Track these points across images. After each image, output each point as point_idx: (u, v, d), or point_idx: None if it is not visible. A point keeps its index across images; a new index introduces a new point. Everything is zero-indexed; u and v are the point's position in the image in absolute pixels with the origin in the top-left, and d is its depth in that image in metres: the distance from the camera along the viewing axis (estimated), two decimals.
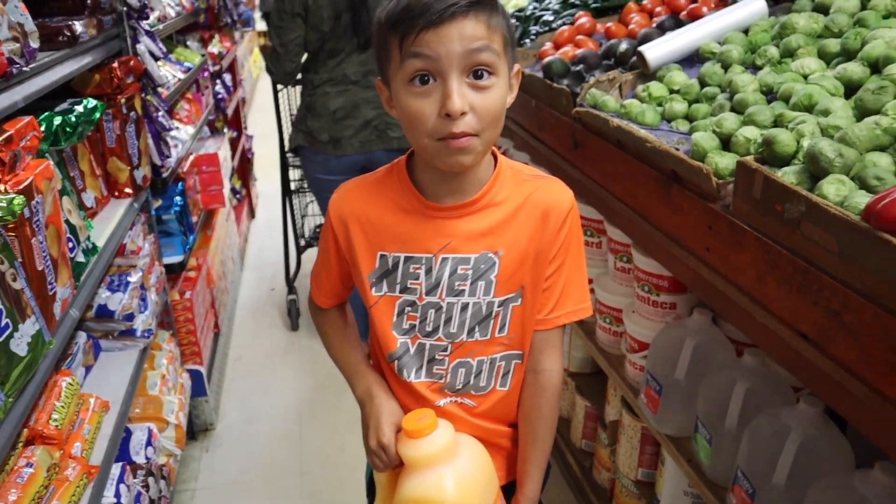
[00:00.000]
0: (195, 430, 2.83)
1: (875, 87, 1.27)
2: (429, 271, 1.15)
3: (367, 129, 2.80)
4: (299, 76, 2.97)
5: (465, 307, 1.15)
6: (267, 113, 3.79)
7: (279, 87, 3.61)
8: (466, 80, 1.00)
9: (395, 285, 1.17)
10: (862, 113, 1.27)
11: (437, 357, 1.19)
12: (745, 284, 1.24)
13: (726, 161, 1.33)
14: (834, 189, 1.08)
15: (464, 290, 1.15)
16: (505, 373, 1.22)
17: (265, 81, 8.37)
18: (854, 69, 1.38)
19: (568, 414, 2.49)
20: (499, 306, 1.16)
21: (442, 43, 0.97)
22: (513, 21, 2.80)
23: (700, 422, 1.53)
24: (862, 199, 1.02)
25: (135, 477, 1.88)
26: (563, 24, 2.56)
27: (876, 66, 1.37)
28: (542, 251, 1.16)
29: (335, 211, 1.20)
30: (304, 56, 2.86)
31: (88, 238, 1.71)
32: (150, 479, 1.94)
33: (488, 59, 1.00)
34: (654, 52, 1.82)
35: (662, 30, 2.01)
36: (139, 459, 1.96)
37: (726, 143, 1.41)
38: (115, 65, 2.01)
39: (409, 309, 1.17)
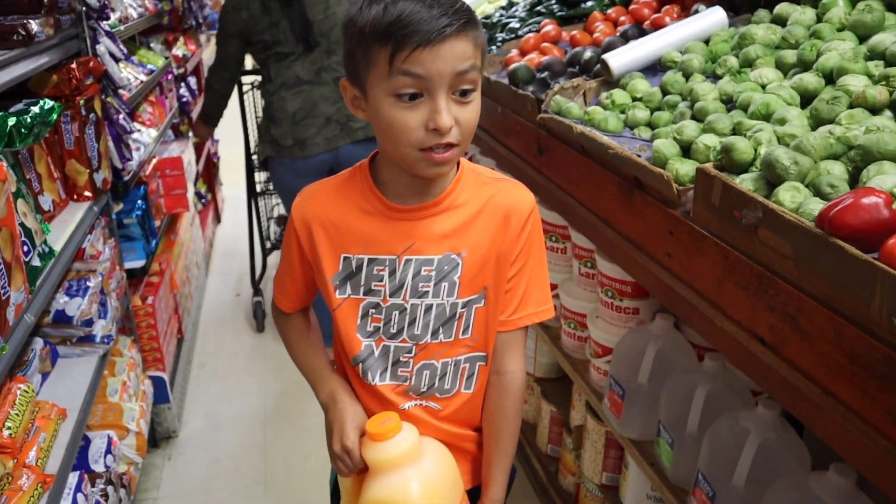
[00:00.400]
0: (157, 437, 2.78)
1: (829, 97, 1.30)
2: (392, 273, 1.15)
3: (330, 125, 2.83)
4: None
5: (428, 308, 1.16)
6: (233, 116, 3.75)
7: (245, 88, 3.59)
8: (453, 97, 1.02)
9: (358, 287, 1.17)
10: (817, 122, 1.30)
11: (401, 359, 1.19)
12: (705, 289, 1.26)
13: (686, 168, 1.35)
14: (789, 196, 1.10)
15: (427, 292, 1.15)
16: (469, 375, 1.22)
17: None
18: (809, 80, 1.41)
19: (534, 419, 2.50)
20: (462, 307, 1.17)
21: (435, 63, 0.99)
22: None
23: (662, 426, 1.54)
24: (816, 205, 1.04)
25: (93, 486, 1.84)
26: (530, 31, 2.58)
27: (830, 77, 1.40)
28: (504, 253, 1.17)
29: (298, 214, 1.20)
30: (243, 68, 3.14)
31: (45, 242, 1.68)
32: (110, 488, 1.90)
33: (474, 77, 1.03)
34: (618, 60, 1.85)
35: (626, 38, 2.03)
36: (98, 468, 1.92)
37: (687, 150, 1.43)
38: (74, 65, 1.97)
39: (374, 311, 1.17)
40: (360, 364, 1.20)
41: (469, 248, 1.15)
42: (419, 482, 1.12)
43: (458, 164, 1.19)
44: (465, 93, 1.03)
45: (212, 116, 3.34)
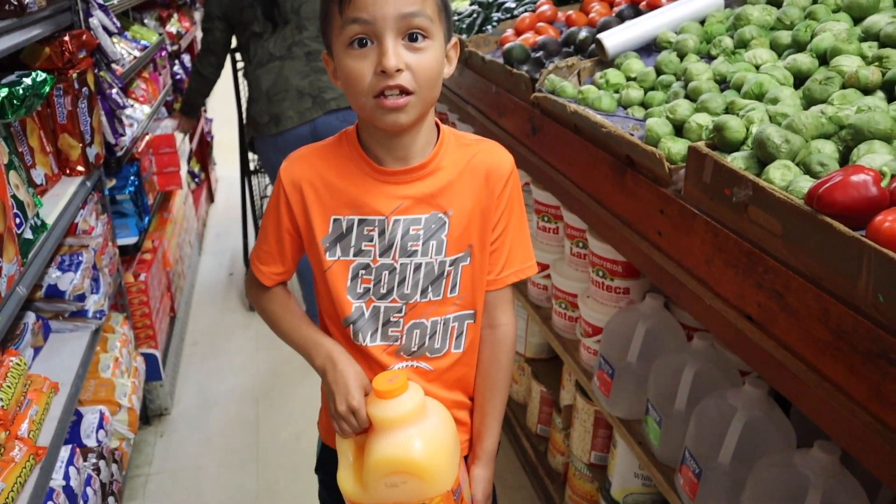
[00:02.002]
0: (150, 414, 2.79)
1: (822, 77, 1.30)
2: (382, 233, 1.17)
3: (303, 98, 2.85)
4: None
5: (418, 267, 1.18)
6: (227, 97, 3.75)
7: (239, 66, 3.58)
8: (402, 42, 1.05)
9: (348, 249, 1.18)
10: (809, 102, 1.30)
11: (391, 319, 1.21)
12: (694, 267, 1.27)
13: (679, 146, 1.35)
14: (780, 174, 1.10)
15: (416, 251, 1.17)
16: (459, 334, 1.24)
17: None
18: (803, 60, 1.41)
19: (524, 399, 2.52)
20: (450, 265, 1.19)
21: (377, 6, 1.02)
22: (475, 7, 2.80)
23: (651, 404, 1.56)
24: (806, 183, 1.05)
25: (85, 460, 1.85)
26: (525, 11, 2.57)
27: (824, 58, 1.40)
28: (487, 211, 1.20)
29: (287, 176, 1.20)
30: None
31: (38, 215, 1.67)
32: (102, 463, 1.91)
33: (421, 23, 1.05)
34: (613, 40, 1.84)
35: (622, 19, 2.03)
36: (90, 443, 1.93)
37: (679, 129, 1.43)
38: (67, 38, 1.96)
39: (363, 272, 1.19)
40: (351, 325, 1.21)
41: (455, 206, 1.18)
42: (424, 439, 1.12)
43: (439, 129, 1.21)
44: (414, 37, 1.05)
45: (194, 107, 3.37)
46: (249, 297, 1.37)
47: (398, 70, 1.04)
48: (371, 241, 1.17)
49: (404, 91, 1.06)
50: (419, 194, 1.17)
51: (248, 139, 3.08)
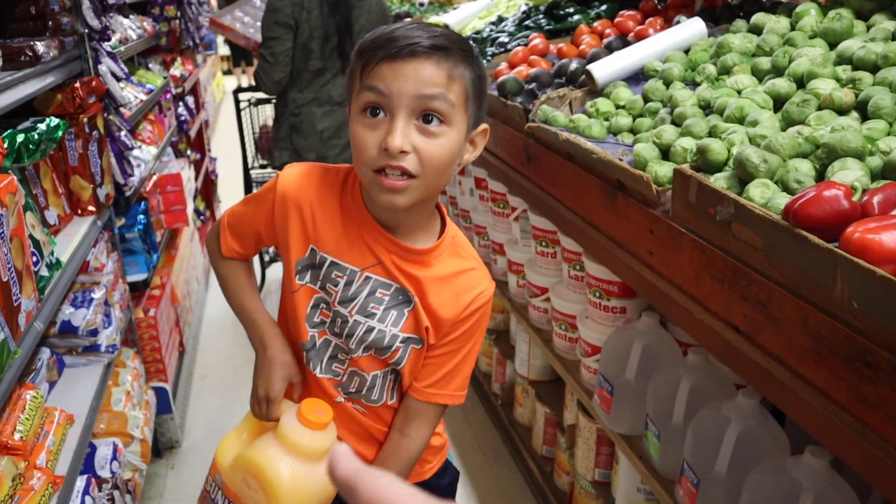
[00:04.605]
0: (161, 447, 2.83)
1: (799, 100, 1.37)
2: (348, 284, 1.15)
3: (349, 149, 2.88)
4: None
5: (370, 330, 1.16)
6: (230, 136, 3.84)
7: (242, 105, 3.66)
8: (415, 122, 1.00)
9: (316, 280, 1.17)
10: (788, 123, 1.37)
11: (339, 356, 1.21)
12: (684, 283, 1.32)
13: (665, 169, 1.41)
14: (759, 192, 1.16)
15: (375, 314, 1.15)
16: (395, 386, 1.24)
17: (228, 104, 8.39)
18: (782, 84, 1.49)
19: (529, 422, 2.55)
20: (401, 342, 1.17)
21: (396, 80, 0.98)
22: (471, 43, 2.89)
23: (650, 419, 1.60)
24: (783, 200, 1.11)
25: (100, 490, 1.89)
26: (518, 45, 2.66)
27: (801, 82, 1.48)
28: (451, 325, 1.17)
29: (282, 187, 1.17)
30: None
31: (52, 253, 1.74)
32: (116, 493, 1.95)
33: (440, 107, 0.99)
34: (602, 70, 1.92)
35: (610, 50, 2.11)
36: (104, 474, 1.97)
37: (666, 153, 1.50)
38: (77, 85, 2.04)
39: (324, 306, 1.18)
40: (306, 352, 1.22)
41: (426, 299, 1.15)
42: (298, 480, 1.11)
43: (443, 226, 1.19)
44: (429, 119, 1.00)
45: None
46: (208, 246, 1.32)
47: (403, 151, 0.99)
48: (336, 286, 1.15)
49: (406, 173, 1.00)
50: (399, 264, 1.14)
51: (279, 164, 3.01)
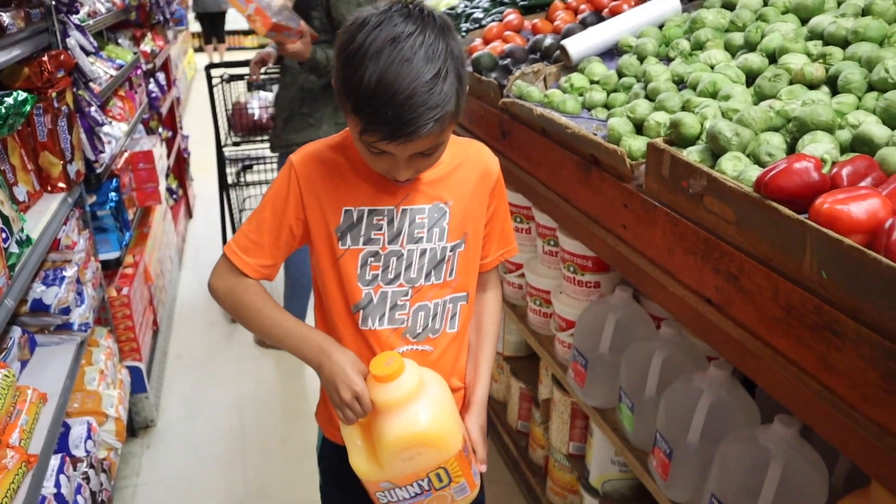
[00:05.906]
0: (136, 426, 2.81)
1: (771, 74, 1.39)
2: (391, 222, 1.25)
3: None
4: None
5: (423, 253, 1.27)
6: (202, 115, 3.79)
7: (215, 81, 3.62)
8: (417, 154, 1.13)
9: (358, 238, 1.25)
10: (760, 98, 1.38)
11: (398, 303, 1.28)
12: (657, 257, 1.34)
13: (639, 143, 1.42)
14: (731, 165, 1.18)
15: (422, 237, 1.27)
16: (453, 315, 1.33)
17: (200, 82, 8.25)
18: (754, 59, 1.50)
19: (504, 397, 2.58)
20: (450, 251, 1.29)
21: (398, 150, 1.10)
22: None
23: (623, 392, 1.62)
24: (755, 172, 1.12)
25: (75, 469, 1.88)
26: (493, 20, 2.65)
27: (773, 57, 1.49)
28: (480, 204, 1.32)
29: (302, 169, 1.25)
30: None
31: (22, 230, 1.71)
32: (91, 472, 1.94)
33: (435, 149, 1.16)
34: (576, 45, 1.92)
35: (585, 25, 2.11)
36: (79, 453, 1.96)
37: (640, 127, 1.51)
38: (45, 58, 2.00)
39: (372, 259, 1.26)
40: (361, 311, 1.27)
41: (453, 197, 1.28)
42: (430, 412, 1.18)
43: None
44: (427, 153, 1.15)
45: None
46: (219, 287, 1.31)
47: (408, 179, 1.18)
48: (380, 229, 1.25)
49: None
50: (422, 185, 1.26)
51: (285, 144, 2.96)
